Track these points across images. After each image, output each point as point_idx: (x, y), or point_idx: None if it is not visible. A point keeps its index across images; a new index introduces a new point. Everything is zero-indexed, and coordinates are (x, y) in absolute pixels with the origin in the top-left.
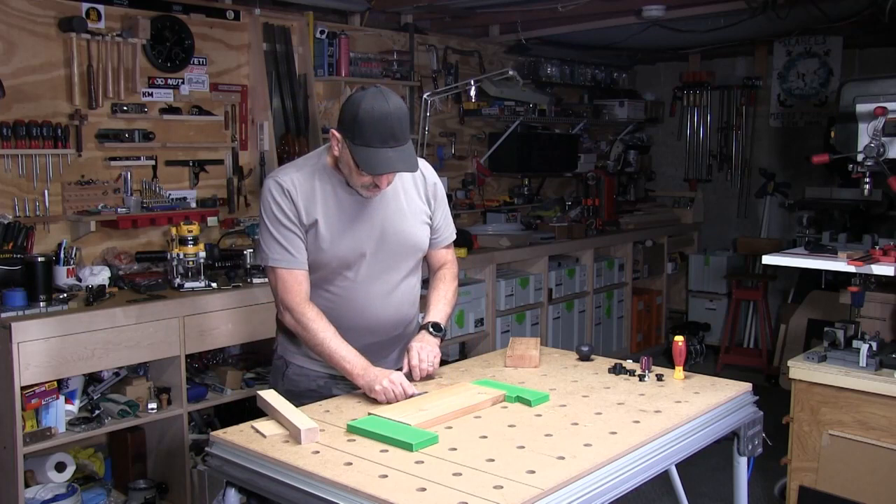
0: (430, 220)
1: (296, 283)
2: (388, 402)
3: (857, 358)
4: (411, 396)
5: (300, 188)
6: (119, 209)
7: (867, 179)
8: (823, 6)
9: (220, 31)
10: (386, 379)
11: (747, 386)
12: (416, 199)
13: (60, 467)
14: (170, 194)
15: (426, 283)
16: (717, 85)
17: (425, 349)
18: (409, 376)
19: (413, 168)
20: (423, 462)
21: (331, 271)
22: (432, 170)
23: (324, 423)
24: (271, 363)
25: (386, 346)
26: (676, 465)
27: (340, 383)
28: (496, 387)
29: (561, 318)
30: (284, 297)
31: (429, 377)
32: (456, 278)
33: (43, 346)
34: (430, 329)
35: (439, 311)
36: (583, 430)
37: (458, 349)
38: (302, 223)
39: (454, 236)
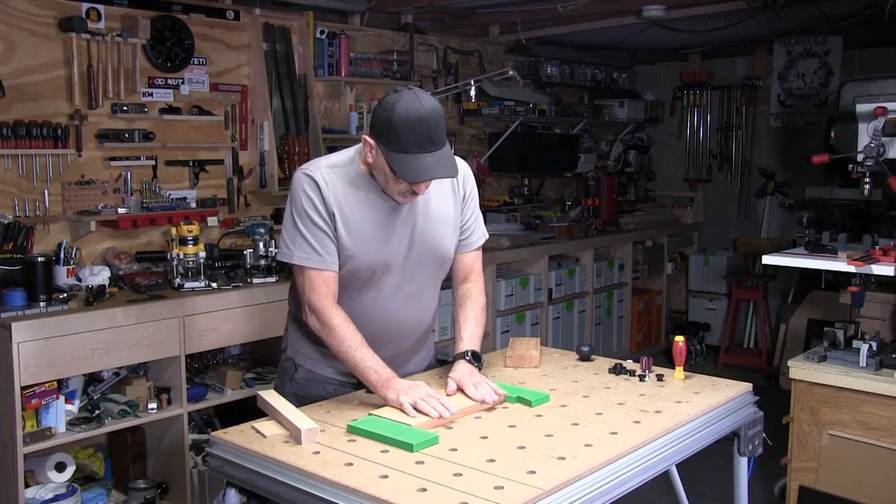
0: (461, 222)
1: (324, 284)
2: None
3: (857, 358)
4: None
5: (332, 188)
6: (119, 209)
7: (867, 179)
8: (823, 6)
9: (220, 31)
10: (418, 398)
11: (747, 386)
12: (450, 201)
13: (60, 467)
14: (170, 194)
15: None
16: (717, 85)
17: (481, 385)
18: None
19: (453, 173)
20: (423, 462)
21: (356, 280)
22: (467, 167)
23: (324, 423)
24: (277, 363)
25: (404, 355)
26: (676, 465)
27: (351, 392)
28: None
29: (561, 318)
30: (311, 299)
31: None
32: (483, 293)
33: (43, 346)
34: (469, 359)
35: (471, 335)
36: (583, 431)
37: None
38: (333, 223)
39: (485, 238)
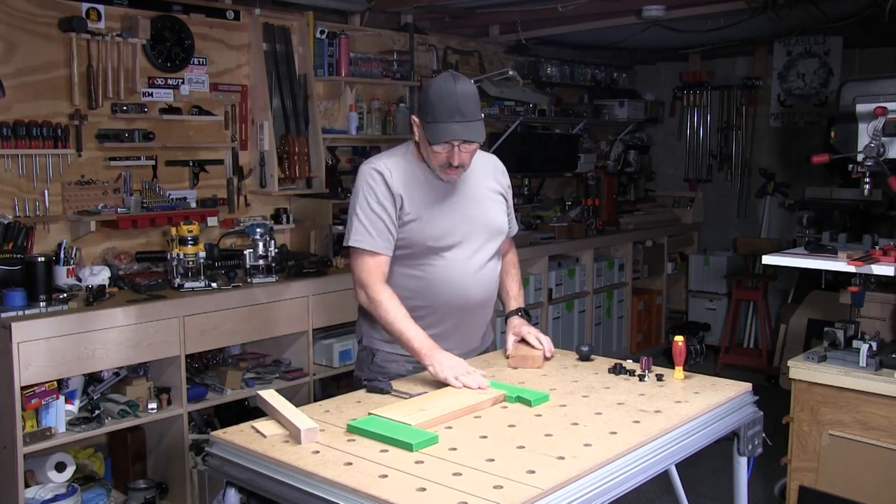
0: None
1: (375, 265)
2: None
3: (857, 358)
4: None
5: (395, 172)
6: (119, 209)
7: (867, 179)
8: (823, 6)
9: (220, 31)
10: (460, 373)
11: (747, 386)
12: (495, 186)
13: (60, 467)
14: (170, 194)
15: None
16: (717, 85)
17: (535, 333)
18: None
19: (478, 138)
20: (423, 462)
21: (426, 249)
22: (499, 162)
23: (324, 423)
24: (278, 363)
25: (469, 328)
26: (676, 465)
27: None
28: (496, 387)
29: (561, 318)
30: (361, 276)
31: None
32: (519, 264)
33: (43, 346)
34: (521, 315)
35: (518, 295)
36: (583, 430)
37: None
38: (396, 206)
39: (516, 231)
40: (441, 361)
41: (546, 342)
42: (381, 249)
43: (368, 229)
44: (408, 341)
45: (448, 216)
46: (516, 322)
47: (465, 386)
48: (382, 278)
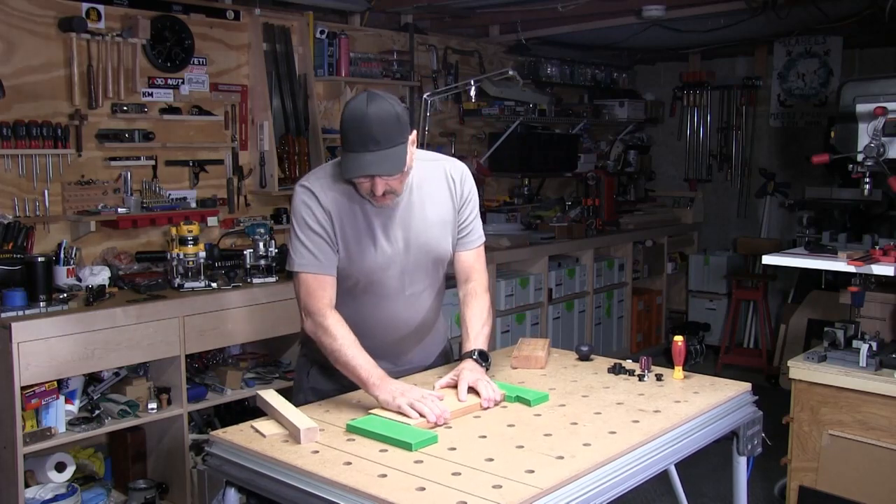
0: (459, 221)
1: (320, 288)
2: (421, 415)
3: (857, 358)
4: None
5: (328, 197)
6: (119, 209)
7: (867, 179)
8: (823, 6)
9: (220, 31)
10: (414, 399)
11: (747, 386)
12: (447, 204)
13: (60, 467)
14: (170, 194)
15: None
16: (717, 85)
17: (481, 383)
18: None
19: (389, 171)
20: (422, 462)
21: (354, 283)
22: (464, 169)
23: (323, 422)
24: (277, 363)
25: (409, 352)
26: (676, 465)
27: None
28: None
29: (561, 318)
30: (307, 302)
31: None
32: (487, 291)
33: (43, 346)
34: (476, 358)
35: (478, 334)
36: (582, 430)
37: (458, 349)
38: (332, 230)
39: (482, 240)
40: (392, 390)
41: (484, 390)
42: (327, 271)
43: (312, 250)
44: (354, 369)
45: (377, 249)
46: (464, 366)
47: (420, 414)
48: (330, 303)
